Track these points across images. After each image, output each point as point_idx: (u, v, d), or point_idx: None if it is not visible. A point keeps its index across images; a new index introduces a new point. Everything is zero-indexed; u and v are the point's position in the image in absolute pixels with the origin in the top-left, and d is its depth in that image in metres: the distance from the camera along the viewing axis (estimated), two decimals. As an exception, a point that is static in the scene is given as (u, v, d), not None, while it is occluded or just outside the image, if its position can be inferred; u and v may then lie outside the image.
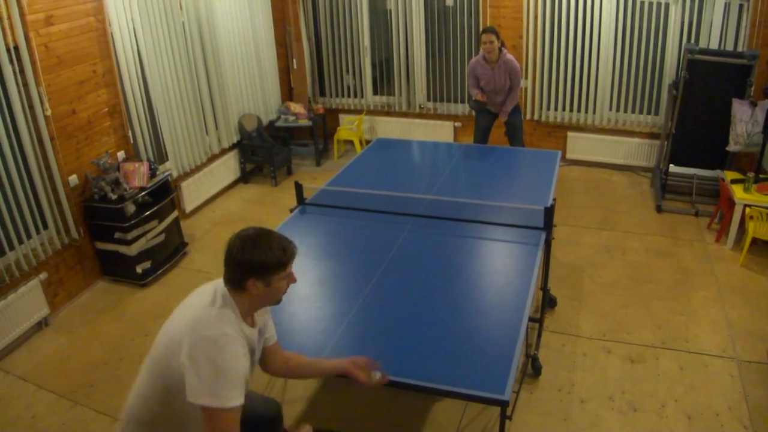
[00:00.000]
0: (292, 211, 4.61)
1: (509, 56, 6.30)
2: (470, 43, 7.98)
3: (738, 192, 5.77)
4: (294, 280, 2.56)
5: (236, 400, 2.30)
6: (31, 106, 4.92)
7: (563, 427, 3.92)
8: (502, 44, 6.31)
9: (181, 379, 2.32)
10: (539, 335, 4.68)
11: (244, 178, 8.02)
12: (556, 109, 7.83)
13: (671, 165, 6.90)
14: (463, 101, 8.32)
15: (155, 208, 5.74)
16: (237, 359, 2.33)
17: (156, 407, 2.50)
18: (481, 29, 7.09)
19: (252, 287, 2.41)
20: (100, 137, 5.62)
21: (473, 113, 7.00)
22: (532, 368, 4.38)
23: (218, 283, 2.51)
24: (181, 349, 2.32)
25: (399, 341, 3.14)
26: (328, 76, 8.94)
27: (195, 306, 2.44)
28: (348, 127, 8.70)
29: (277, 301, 2.57)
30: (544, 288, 4.71)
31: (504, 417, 2.94)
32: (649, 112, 7.54)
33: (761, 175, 5.94)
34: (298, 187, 4.68)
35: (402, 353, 3.05)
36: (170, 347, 2.38)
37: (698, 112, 6.61)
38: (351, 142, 8.89)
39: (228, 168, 7.73)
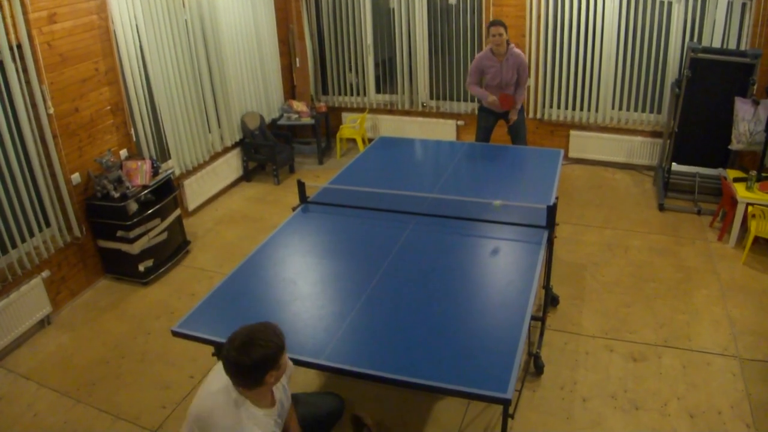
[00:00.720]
0: (294, 209, 4.61)
1: (517, 50, 6.22)
2: (473, 42, 7.97)
3: (740, 190, 5.76)
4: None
5: None
6: (34, 104, 4.92)
7: (565, 425, 3.92)
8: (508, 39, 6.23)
9: None
10: (541, 334, 4.68)
11: (247, 176, 8.02)
12: (558, 107, 7.83)
13: (674, 163, 6.90)
14: (466, 100, 8.31)
15: (158, 206, 5.75)
16: None
17: None
18: (488, 22, 6.90)
19: (269, 378, 2.55)
20: (102, 135, 5.63)
21: (476, 112, 6.97)
22: (535, 367, 4.38)
23: (223, 384, 2.65)
24: None
25: (401, 339, 3.14)
26: (330, 74, 8.93)
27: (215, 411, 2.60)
28: (351, 126, 8.70)
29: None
30: (546, 286, 4.71)
31: (506, 415, 2.94)
32: (651, 111, 7.53)
33: (764, 174, 5.92)
34: (301, 186, 4.68)
35: (404, 351, 3.05)
36: None
37: (701, 110, 6.60)
38: (353, 141, 8.89)
39: (230, 166, 7.73)
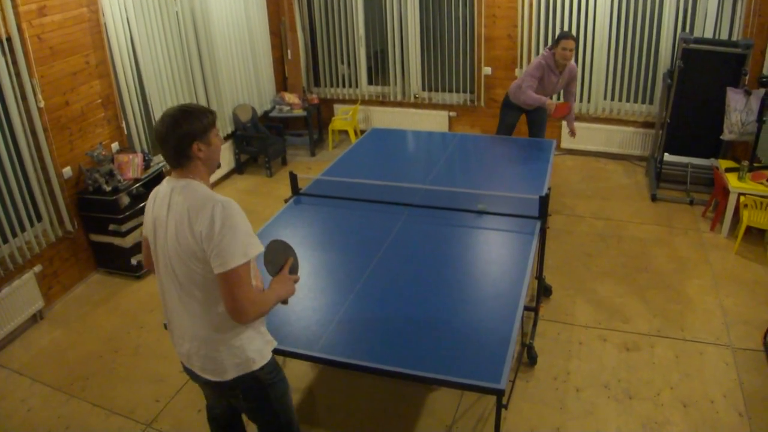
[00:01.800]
0: (286, 201, 4.60)
1: (573, 62, 6.07)
2: (465, 33, 7.96)
3: (732, 181, 5.78)
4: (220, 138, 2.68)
5: (258, 245, 2.52)
6: (24, 98, 4.89)
7: (559, 415, 3.94)
8: None
9: (206, 276, 2.48)
10: (535, 324, 4.69)
11: (239, 168, 8.00)
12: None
13: (666, 154, 6.91)
14: (458, 91, 8.31)
15: (150, 199, 5.72)
16: (240, 212, 2.51)
17: (214, 313, 2.57)
18: (561, 33, 6.21)
19: (198, 151, 2.51)
20: (93, 129, 5.60)
21: (468, 103, 6.91)
22: (528, 357, 4.39)
23: (165, 185, 2.61)
24: (194, 248, 2.44)
25: (394, 331, 3.14)
26: (322, 66, 8.91)
27: (176, 212, 2.51)
28: (343, 117, 8.68)
29: (218, 162, 2.68)
30: (539, 277, 4.72)
31: (500, 406, 2.94)
32: (643, 101, 7.54)
33: (755, 164, 5.94)
34: (293, 178, 4.67)
35: (397, 343, 3.05)
36: (183, 259, 2.49)
37: (693, 101, 6.61)
38: (346, 132, 8.87)
39: (222, 159, 7.69)
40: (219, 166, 2.71)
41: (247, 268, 2.45)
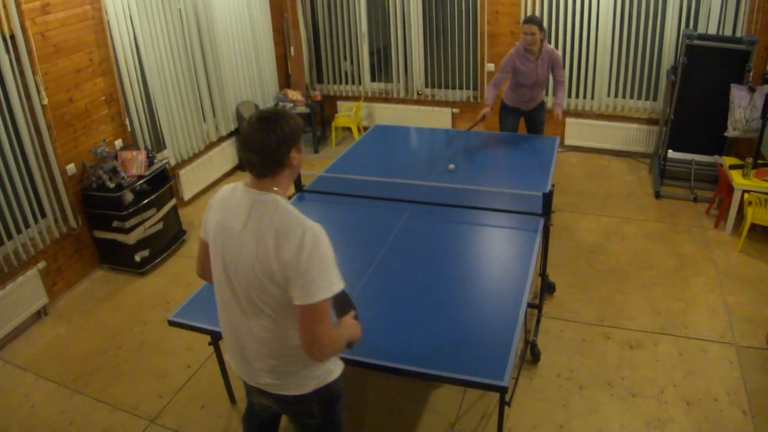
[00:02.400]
0: (290, 198, 4.61)
1: (551, 47, 5.81)
2: (469, 29, 7.95)
3: (737, 178, 5.77)
4: None
5: (341, 280, 2.36)
6: (28, 96, 4.90)
7: (562, 413, 3.94)
8: (544, 35, 5.75)
9: (282, 299, 2.33)
10: (538, 321, 4.69)
11: (242, 165, 7.99)
12: (554, 94, 7.79)
13: (670, 151, 6.89)
14: (461, 88, 8.30)
15: (153, 196, 5.73)
16: (329, 242, 2.36)
17: (287, 336, 2.44)
18: (523, 18, 6.21)
19: (294, 159, 2.39)
20: (97, 126, 5.61)
21: (471, 99, 6.89)
22: (531, 354, 4.38)
23: (241, 194, 2.44)
24: (276, 272, 2.29)
25: (397, 328, 3.15)
26: (325, 62, 8.91)
27: (257, 228, 2.34)
28: (346, 114, 8.68)
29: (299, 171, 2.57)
30: (542, 274, 4.71)
31: (503, 403, 2.95)
32: (647, 98, 7.52)
33: (760, 161, 5.93)
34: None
35: (400, 340, 3.06)
36: (260, 280, 2.33)
37: (697, 97, 6.59)
38: (349, 129, 8.87)
39: (226, 155, 7.71)
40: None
41: (329, 303, 2.32)
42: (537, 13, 7.39)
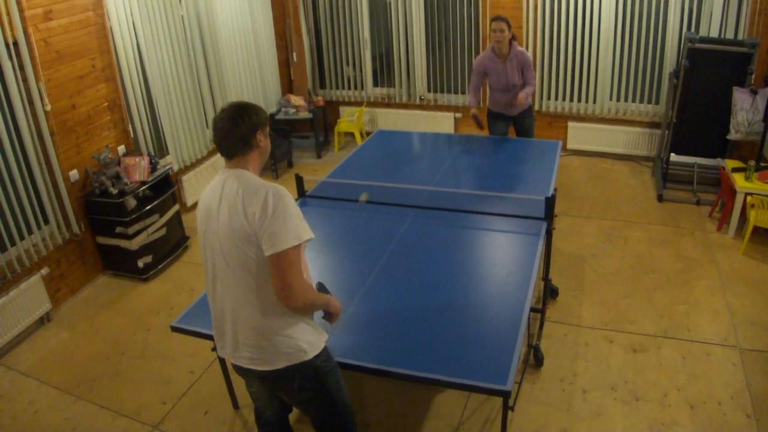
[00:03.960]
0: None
1: (521, 48, 5.82)
2: (470, 34, 7.96)
3: (739, 180, 5.76)
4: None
5: (309, 231, 2.58)
6: (31, 102, 4.91)
7: (565, 417, 3.93)
8: (513, 36, 5.82)
9: (260, 262, 2.54)
10: (541, 325, 4.68)
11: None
12: (556, 99, 7.82)
13: (672, 154, 6.89)
14: (463, 92, 8.30)
15: (156, 202, 5.74)
16: (292, 199, 2.59)
17: (266, 301, 2.62)
18: (490, 17, 6.56)
19: (260, 141, 2.66)
20: (100, 132, 5.62)
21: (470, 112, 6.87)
22: (534, 359, 4.38)
23: (217, 177, 2.71)
24: (247, 231, 2.50)
25: (400, 333, 3.15)
26: (328, 68, 8.92)
27: (229, 197, 2.57)
28: (348, 119, 8.69)
29: (266, 160, 2.81)
30: (545, 278, 4.71)
31: (506, 407, 2.94)
32: (649, 101, 7.52)
33: (762, 164, 5.92)
34: (299, 180, 4.68)
35: (403, 344, 3.06)
36: (237, 243, 2.54)
37: (699, 100, 6.59)
38: (351, 134, 8.88)
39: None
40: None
41: (298, 252, 2.51)
42: (539, 18, 7.40)
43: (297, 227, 2.50)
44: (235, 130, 2.57)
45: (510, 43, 5.78)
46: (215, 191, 2.65)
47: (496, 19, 5.68)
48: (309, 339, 2.70)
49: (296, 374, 2.69)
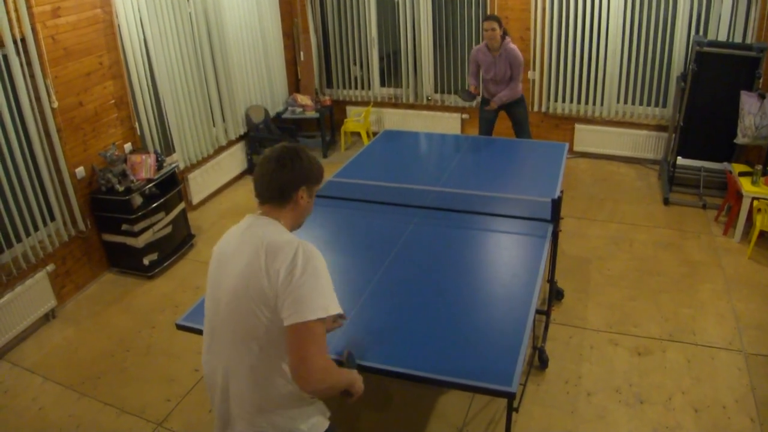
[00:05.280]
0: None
1: (512, 45, 6.30)
2: (478, 35, 7.96)
3: (746, 185, 5.75)
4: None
5: (338, 305, 2.20)
6: (38, 99, 4.93)
7: (570, 419, 3.92)
8: (506, 33, 6.32)
9: (271, 327, 2.18)
10: (546, 327, 4.68)
11: (251, 169, 8.01)
12: (563, 101, 7.81)
13: (679, 157, 6.87)
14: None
15: (162, 199, 5.75)
16: (324, 261, 2.24)
17: (268, 371, 2.26)
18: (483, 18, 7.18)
19: (300, 198, 2.36)
20: (107, 129, 5.63)
21: (476, 104, 6.96)
22: (539, 360, 4.37)
23: (242, 222, 2.40)
24: (265, 290, 2.15)
25: (405, 333, 3.14)
26: (335, 67, 8.93)
27: (250, 248, 2.24)
28: (355, 119, 8.69)
29: (302, 223, 2.51)
30: (551, 280, 4.70)
31: (511, 409, 2.94)
32: (657, 105, 7.51)
33: (769, 168, 5.91)
34: (305, 179, 4.67)
35: (408, 345, 3.05)
36: (249, 302, 2.19)
37: (706, 104, 6.57)
38: (358, 134, 8.88)
39: (235, 160, 7.73)
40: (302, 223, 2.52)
41: (323, 327, 2.13)
42: (546, 20, 7.41)
43: (325, 297, 2.14)
44: (277, 175, 2.29)
45: (502, 39, 6.26)
46: (232, 236, 2.37)
47: (487, 18, 6.26)
48: (313, 421, 2.40)
49: None
